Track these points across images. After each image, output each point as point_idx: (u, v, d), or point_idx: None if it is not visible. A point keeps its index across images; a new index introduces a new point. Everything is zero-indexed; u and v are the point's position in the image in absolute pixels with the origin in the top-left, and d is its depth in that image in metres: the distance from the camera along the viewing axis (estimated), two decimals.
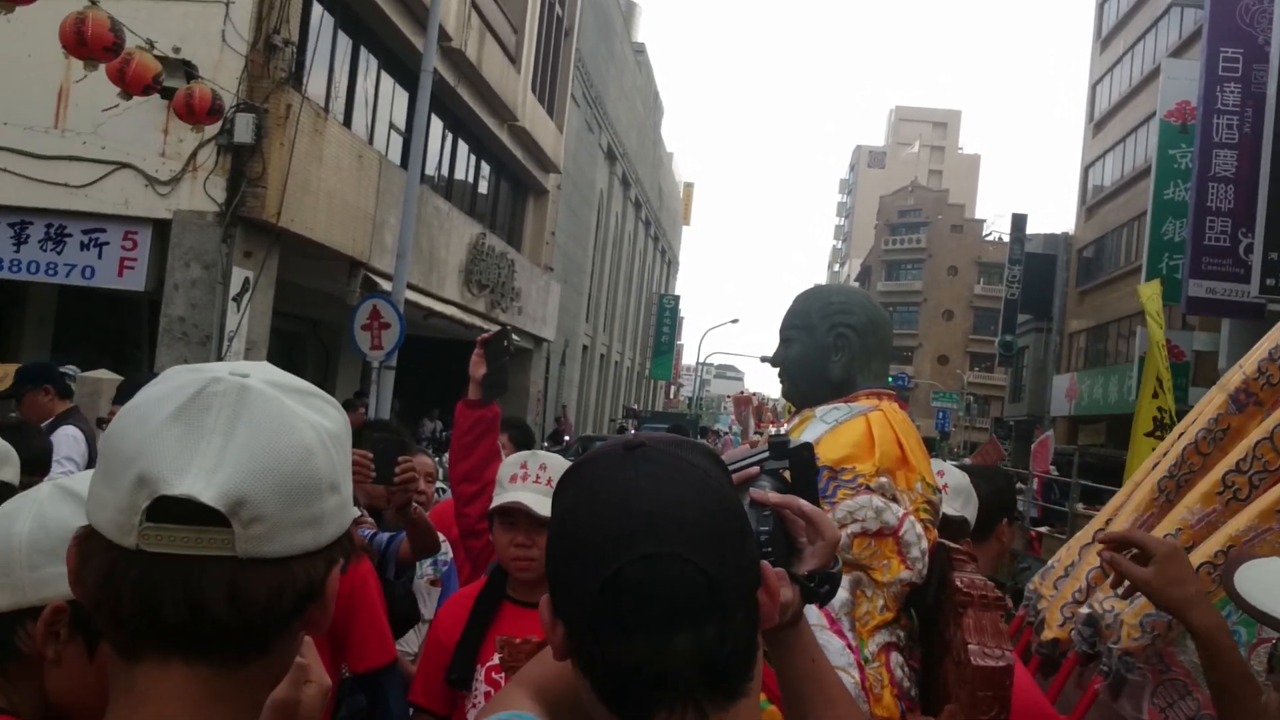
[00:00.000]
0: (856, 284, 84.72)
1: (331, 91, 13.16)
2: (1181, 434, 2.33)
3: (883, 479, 1.89)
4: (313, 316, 16.99)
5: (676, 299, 50.71)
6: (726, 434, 34.93)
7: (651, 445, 1.01)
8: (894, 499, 1.89)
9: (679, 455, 1.00)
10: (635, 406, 36.93)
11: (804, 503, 1.24)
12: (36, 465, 3.51)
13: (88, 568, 0.87)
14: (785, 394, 2.24)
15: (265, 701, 0.94)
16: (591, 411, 34.25)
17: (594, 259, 32.24)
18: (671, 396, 61.12)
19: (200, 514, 0.84)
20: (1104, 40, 37.54)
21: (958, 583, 1.80)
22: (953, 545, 1.96)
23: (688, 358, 76.54)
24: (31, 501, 1.29)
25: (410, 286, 12.81)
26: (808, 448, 1.30)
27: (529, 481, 2.66)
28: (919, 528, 1.89)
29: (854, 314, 2.12)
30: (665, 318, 47.59)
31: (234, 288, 10.62)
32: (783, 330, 2.19)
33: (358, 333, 11.22)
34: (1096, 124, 37.35)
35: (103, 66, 8.13)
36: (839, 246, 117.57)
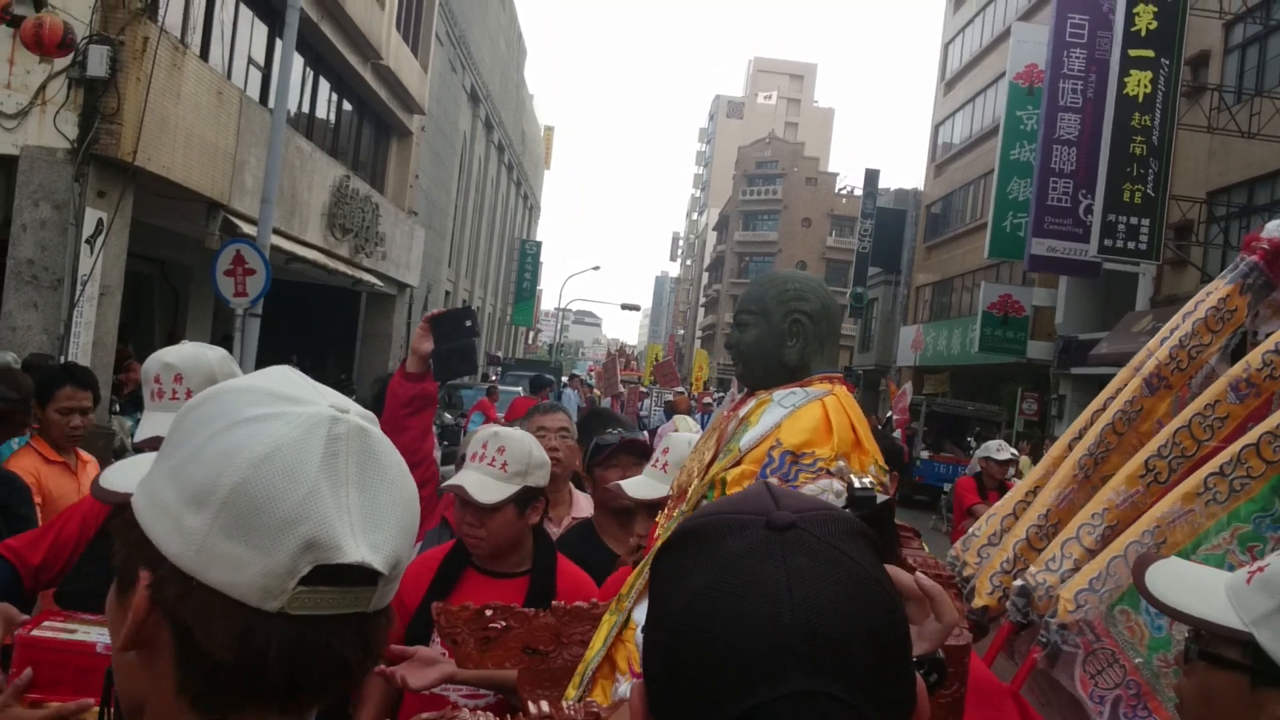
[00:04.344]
0: (715, 233, 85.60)
1: (188, 24, 12.48)
2: (1096, 412, 2.48)
3: (841, 463, 1.96)
4: (160, 257, 16.18)
5: (539, 245, 50.35)
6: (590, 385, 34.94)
7: (805, 529, 0.80)
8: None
9: (838, 547, 0.80)
10: (499, 354, 36.59)
11: (927, 580, 1.14)
12: None
13: (211, 630, 0.80)
14: (740, 376, 2.29)
15: None
16: None
17: (457, 203, 31.66)
18: (530, 342, 60.81)
19: (355, 576, 0.82)
20: (957, 0, 38.58)
21: (910, 561, 1.89)
22: (900, 524, 2.06)
23: (547, 303, 76.33)
24: None
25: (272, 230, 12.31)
26: (889, 506, 1.23)
27: (482, 463, 2.67)
28: None
29: (808, 300, 2.17)
30: (527, 263, 47.23)
31: (87, 229, 10.04)
32: (738, 315, 2.23)
33: (220, 279, 10.68)
34: (948, 83, 38.47)
35: None
36: (698, 196, 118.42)
